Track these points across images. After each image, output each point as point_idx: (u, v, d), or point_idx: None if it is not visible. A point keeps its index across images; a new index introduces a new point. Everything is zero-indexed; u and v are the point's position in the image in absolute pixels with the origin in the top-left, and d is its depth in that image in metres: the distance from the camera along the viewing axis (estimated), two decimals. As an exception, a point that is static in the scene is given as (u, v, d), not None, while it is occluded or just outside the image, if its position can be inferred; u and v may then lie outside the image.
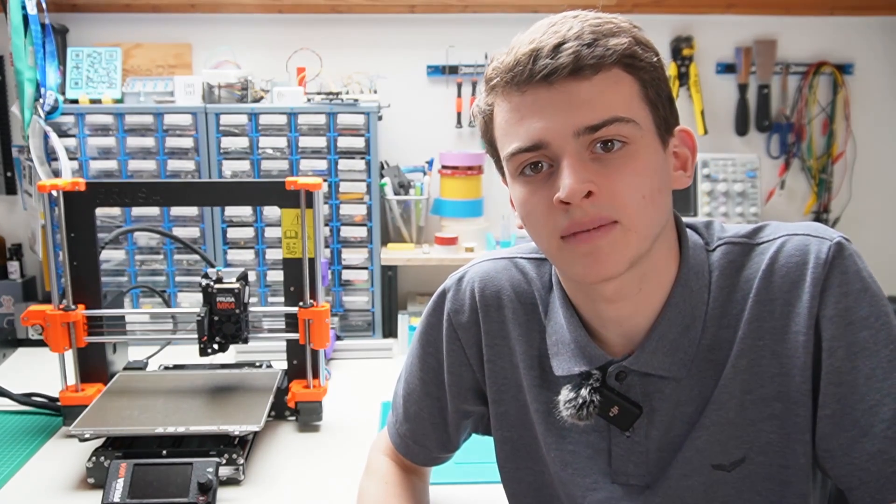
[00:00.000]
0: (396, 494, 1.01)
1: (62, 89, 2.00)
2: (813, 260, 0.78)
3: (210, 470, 1.19)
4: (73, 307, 1.44)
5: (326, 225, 1.99)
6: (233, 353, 1.78)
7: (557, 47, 0.73)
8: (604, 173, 0.74)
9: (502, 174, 0.84)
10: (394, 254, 2.07)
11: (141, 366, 1.60)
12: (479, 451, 1.07)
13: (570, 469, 0.88)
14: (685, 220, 0.87)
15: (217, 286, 1.40)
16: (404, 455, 1.03)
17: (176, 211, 1.99)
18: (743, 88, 2.24)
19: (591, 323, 0.86)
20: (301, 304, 1.46)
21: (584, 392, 0.83)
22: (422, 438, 1.01)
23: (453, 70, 2.20)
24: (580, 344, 0.85)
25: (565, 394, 0.84)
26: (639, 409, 0.83)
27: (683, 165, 0.83)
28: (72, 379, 1.46)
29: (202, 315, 1.39)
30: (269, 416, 1.40)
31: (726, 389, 0.80)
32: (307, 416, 1.48)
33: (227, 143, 1.96)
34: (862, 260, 0.79)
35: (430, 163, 2.19)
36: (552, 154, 0.75)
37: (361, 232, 2.02)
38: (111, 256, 2.00)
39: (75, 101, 1.99)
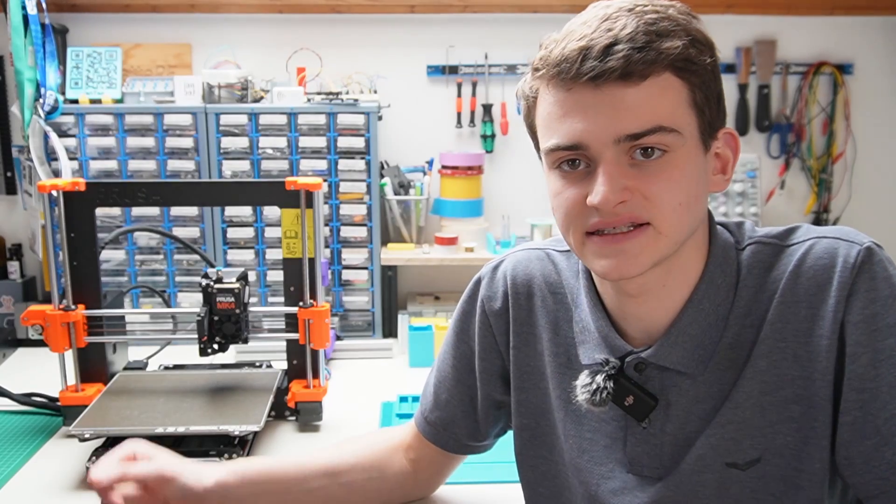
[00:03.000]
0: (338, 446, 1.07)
1: (62, 89, 2.00)
2: (841, 263, 0.77)
3: (210, 470, 1.19)
4: (73, 307, 1.44)
5: (326, 225, 1.99)
6: (233, 353, 1.78)
7: (608, 48, 0.71)
8: (640, 178, 0.74)
9: (540, 159, 0.83)
10: (394, 254, 2.07)
11: (141, 366, 1.60)
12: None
13: (587, 456, 0.89)
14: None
15: (217, 286, 1.40)
16: (434, 443, 1.04)
17: (176, 211, 1.98)
18: (743, 88, 2.24)
19: (614, 314, 0.87)
20: (301, 304, 1.46)
21: (598, 378, 0.83)
22: (451, 425, 1.02)
23: (453, 70, 2.20)
24: (603, 333, 0.86)
25: (582, 378, 0.85)
26: (654, 401, 0.83)
27: (723, 168, 0.82)
28: (72, 379, 1.46)
29: (202, 315, 1.39)
30: (269, 416, 1.39)
31: (744, 389, 0.80)
32: (307, 416, 1.48)
33: (227, 143, 1.96)
34: (893, 265, 0.77)
35: (430, 163, 2.19)
36: (591, 156, 0.75)
37: (361, 232, 2.02)
38: (111, 256, 2.00)
39: (75, 101, 1.99)
